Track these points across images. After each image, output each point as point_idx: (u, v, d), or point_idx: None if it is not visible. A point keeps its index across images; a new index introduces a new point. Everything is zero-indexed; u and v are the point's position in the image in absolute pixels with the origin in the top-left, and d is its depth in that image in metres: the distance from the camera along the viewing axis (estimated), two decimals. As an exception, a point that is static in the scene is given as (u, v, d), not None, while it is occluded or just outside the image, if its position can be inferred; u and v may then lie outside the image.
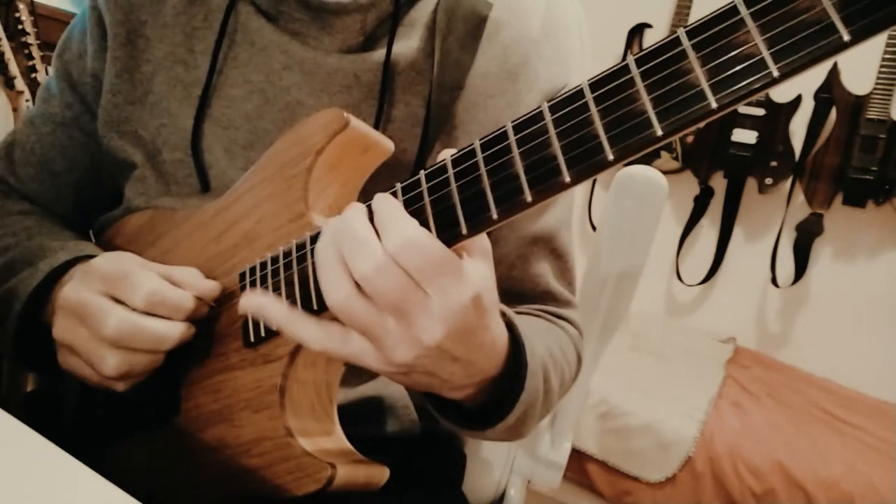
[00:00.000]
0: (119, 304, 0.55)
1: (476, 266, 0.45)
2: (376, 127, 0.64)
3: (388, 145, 0.57)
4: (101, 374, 0.56)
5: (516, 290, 0.72)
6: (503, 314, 0.53)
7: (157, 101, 0.68)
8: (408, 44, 0.66)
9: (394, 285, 0.42)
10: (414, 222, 0.43)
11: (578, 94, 0.38)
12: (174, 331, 0.55)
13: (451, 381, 0.49)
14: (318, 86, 0.65)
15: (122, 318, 0.54)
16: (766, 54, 0.32)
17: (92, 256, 0.62)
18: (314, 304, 0.49)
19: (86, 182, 0.76)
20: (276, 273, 0.53)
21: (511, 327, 0.53)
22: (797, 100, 2.27)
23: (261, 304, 0.50)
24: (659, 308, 2.64)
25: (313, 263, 0.50)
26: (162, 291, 0.55)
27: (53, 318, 0.58)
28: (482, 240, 0.46)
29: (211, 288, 0.58)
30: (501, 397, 0.54)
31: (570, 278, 0.77)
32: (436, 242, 0.43)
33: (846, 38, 0.30)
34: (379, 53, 0.65)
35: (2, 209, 0.73)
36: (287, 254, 0.52)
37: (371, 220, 0.45)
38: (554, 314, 0.72)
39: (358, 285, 0.44)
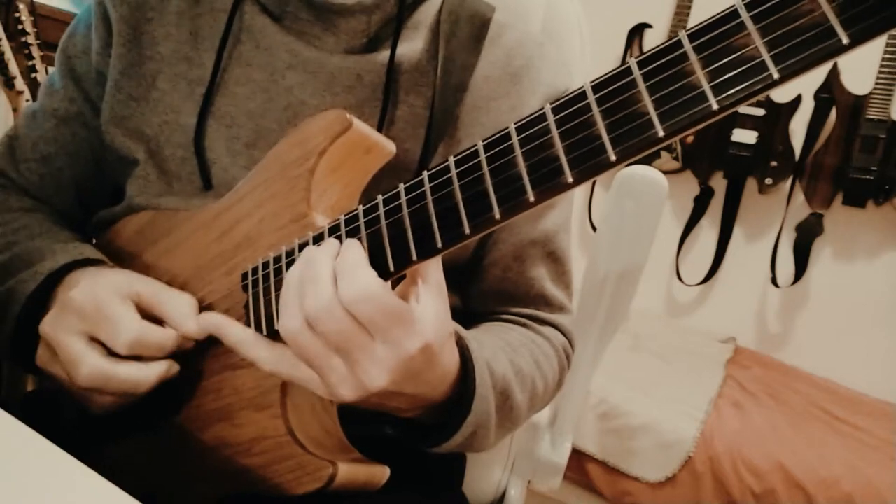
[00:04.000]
0: (96, 347, 0.55)
1: (428, 309, 0.46)
2: (379, 127, 0.64)
3: (391, 147, 0.57)
4: (90, 409, 0.57)
5: (510, 293, 0.72)
6: (458, 339, 0.55)
7: (161, 97, 0.68)
8: (411, 45, 0.67)
9: (338, 329, 0.45)
10: (371, 273, 0.45)
11: (581, 95, 0.38)
12: (150, 376, 0.55)
13: (398, 409, 0.52)
14: (322, 86, 0.65)
15: (94, 367, 0.54)
16: (766, 57, 0.32)
17: (91, 260, 0.62)
18: None
19: (87, 178, 0.76)
20: (277, 272, 0.53)
21: (462, 351, 0.55)
22: (797, 100, 2.27)
23: (218, 322, 0.54)
24: (659, 308, 2.64)
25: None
26: (144, 337, 0.55)
27: (38, 344, 0.59)
28: (438, 275, 0.48)
29: (195, 331, 0.57)
30: (446, 419, 0.55)
31: (567, 282, 0.77)
32: (389, 295, 0.44)
33: (845, 41, 0.30)
34: (383, 55, 0.66)
35: (3, 205, 0.73)
36: (290, 253, 0.52)
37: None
38: (542, 320, 0.72)
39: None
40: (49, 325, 0.57)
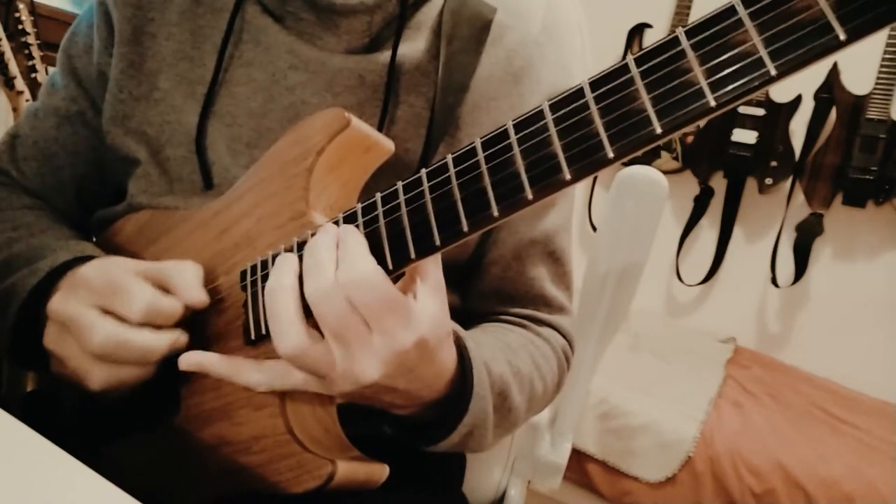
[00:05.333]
0: (108, 317, 0.55)
1: (426, 307, 0.47)
2: (380, 127, 0.65)
3: (389, 145, 0.58)
4: (89, 388, 0.57)
5: (510, 292, 0.72)
6: (457, 338, 0.55)
7: (162, 97, 0.68)
8: (413, 46, 0.67)
9: (336, 314, 0.45)
10: (371, 261, 0.45)
11: (579, 92, 0.38)
12: (163, 342, 0.55)
13: (391, 404, 0.52)
14: (323, 85, 0.66)
15: (109, 333, 0.54)
16: (763, 53, 0.32)
17: (92, 257, 0.62)
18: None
19: (88, 177, 0.76)
20: (277, 272, 0.53)
21: (461, 350, 0.55)
22: (797, 100, 2.27)
23: (200, 360, 0.54)
24: (659, 308, 2.64)
25: None
26: (156, 304, 0.55)
27: (45, 327, 0.59)
28: (437, 273, 0.48)
29: (201, 300, 0.57)
30: (443, 418, 0.55)
31: (568, 282, 0.77)
32: (387, 284, 0.45)
33: (842, 37, 0.30)
34: (384, 55, 0.66)
35: (4, 203, 0.73)
36: (288, 251, 0.52)
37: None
38: (541, 321, 0.72)
39: (306, 309, 0.46)
40: (59, 303, 0.57)
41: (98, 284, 0.56)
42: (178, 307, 0.56)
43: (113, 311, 0.55)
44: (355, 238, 0.46)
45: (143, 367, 0.56)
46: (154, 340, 0.55)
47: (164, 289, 0.57)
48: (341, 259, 0.46)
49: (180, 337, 0.57)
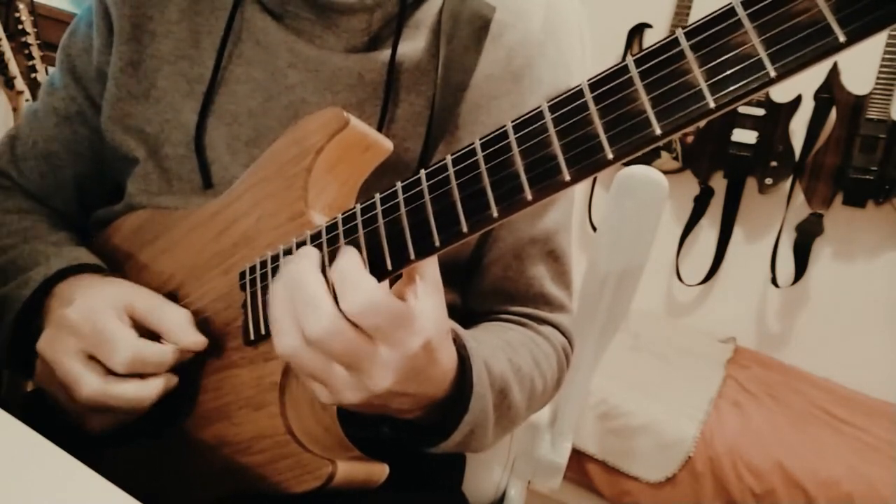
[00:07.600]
0: (95, 367, 0.55)
1: (426, 308, 0.46)
2: (380, 126, 0.65)
3: (388, 145, 0.58)
4: (88, 429, 0.57)
5: (510, 291, 0.72)
6: (455, 337, 0.55)
7: (161, 96, 0.68)
8: (413, 45, 0.67)
9: (346, 345, 0.44)
10: (372, 281, 0.44)
11: (578, 93, 0.38)
12: (150, 392, 0.55)
13: (400, 409, 0.52)
14: (323, 84, 0.66)
15: (94, 388, 0.54)
16: (763, 55, 0.32)
17: (86, 265, 0.62)
18: None
19: (88, 176, 0.76)
20: (275, 271, 0.53)
21: (460, 349, 0.55)
22: (797, 100, 2.27)
23: None
24: (659, 308, 2.64)
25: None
26: (141, 355, 0.55)
27: (36, 362, 0.59)
28: (434, 272, 0.48)
29: (195, 342, 0.57)
30: (444, 419, 0.55)
31: (568, 281, 0.77)
32: (390, 299, 0.44)
33: (842, 39, 0.30)
34: (384, 53, 0.66)
35: (1, 207, 0.73)
36: (287, 252, 0.52)
37: (323, 269, 0.47)
38: (541, 319, 0.72)
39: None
40: (46, 344, 0.57)
41: (82, 328, 0.55)
42: (168, 354, 0.56)
43: (96, 357, 0.55)
44: (350, 260, 0.45)
45: (135, 413, 0.56)
46: (141, 391, 0.55)
47: (153, 330, 0.57)
48: (340, 286, 0.44)
49: (169, 381, 0.57)
